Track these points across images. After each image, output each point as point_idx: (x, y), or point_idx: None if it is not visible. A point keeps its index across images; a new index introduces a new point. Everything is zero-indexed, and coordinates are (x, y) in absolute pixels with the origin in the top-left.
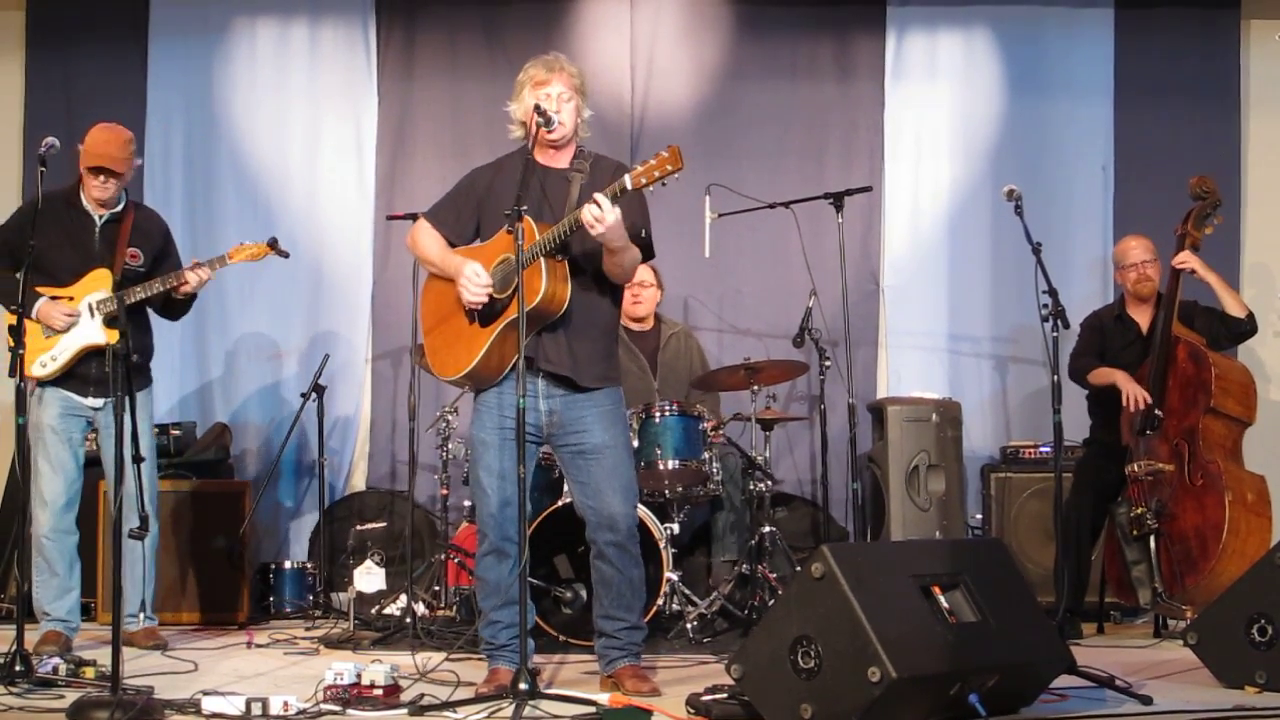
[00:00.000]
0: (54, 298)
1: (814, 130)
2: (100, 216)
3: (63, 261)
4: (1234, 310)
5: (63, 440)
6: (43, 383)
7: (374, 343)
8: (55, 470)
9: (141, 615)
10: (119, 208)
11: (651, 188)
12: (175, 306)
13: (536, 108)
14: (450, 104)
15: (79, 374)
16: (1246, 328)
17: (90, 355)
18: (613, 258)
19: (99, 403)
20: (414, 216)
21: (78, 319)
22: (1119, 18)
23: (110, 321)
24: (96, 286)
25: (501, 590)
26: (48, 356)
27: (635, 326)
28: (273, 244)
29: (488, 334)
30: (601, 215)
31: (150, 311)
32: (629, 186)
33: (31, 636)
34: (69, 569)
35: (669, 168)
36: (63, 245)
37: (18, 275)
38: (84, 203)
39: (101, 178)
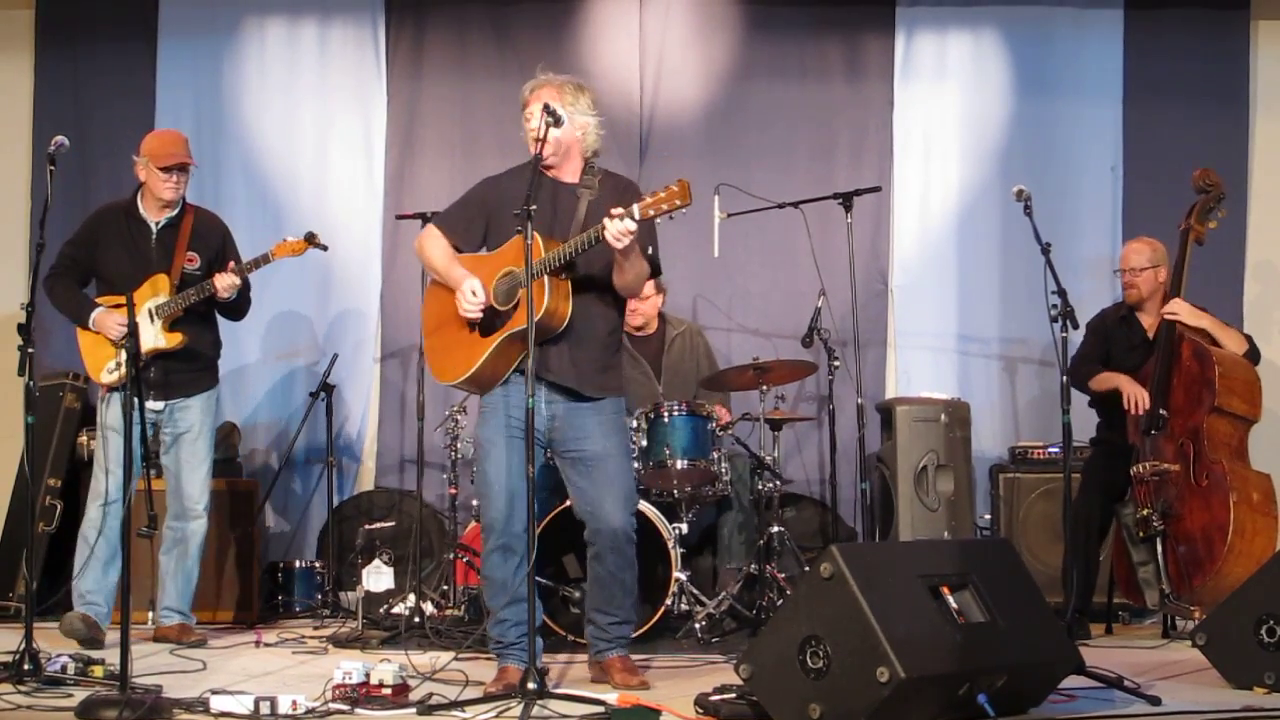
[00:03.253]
0: (115, 306)
1: (823, 130)
2: (157, 223)
3: (122, 270)
4: (1233, 348)
5: (118, 445)
6: (111, 388)
7: (382, 342)
8: (113, 471)
9: (177, 614)
10: (175, 212)
11: (659, 220)
12: (229, 310)
13: (546, 106)
14: (459, 103)
15: (142, 377)
16: (1247, 359)
17: (151, 360)
18: (624, 273)
19: (159, 405)
20: (423, 216)
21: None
22: (1128, 18)
23: (172, 325)
24: (155, 292)
25: (509, 588)
26: (113, 363)
27: (638, 332)
28: (310, 238)
29: (487, 344)
30: (630, 228)
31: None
32: (636, 217)
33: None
34: (110, 559)
35: (677, 202)
36: (121, 256)
37: (87, 289)
38: (141, 211)
39: (174, 176)
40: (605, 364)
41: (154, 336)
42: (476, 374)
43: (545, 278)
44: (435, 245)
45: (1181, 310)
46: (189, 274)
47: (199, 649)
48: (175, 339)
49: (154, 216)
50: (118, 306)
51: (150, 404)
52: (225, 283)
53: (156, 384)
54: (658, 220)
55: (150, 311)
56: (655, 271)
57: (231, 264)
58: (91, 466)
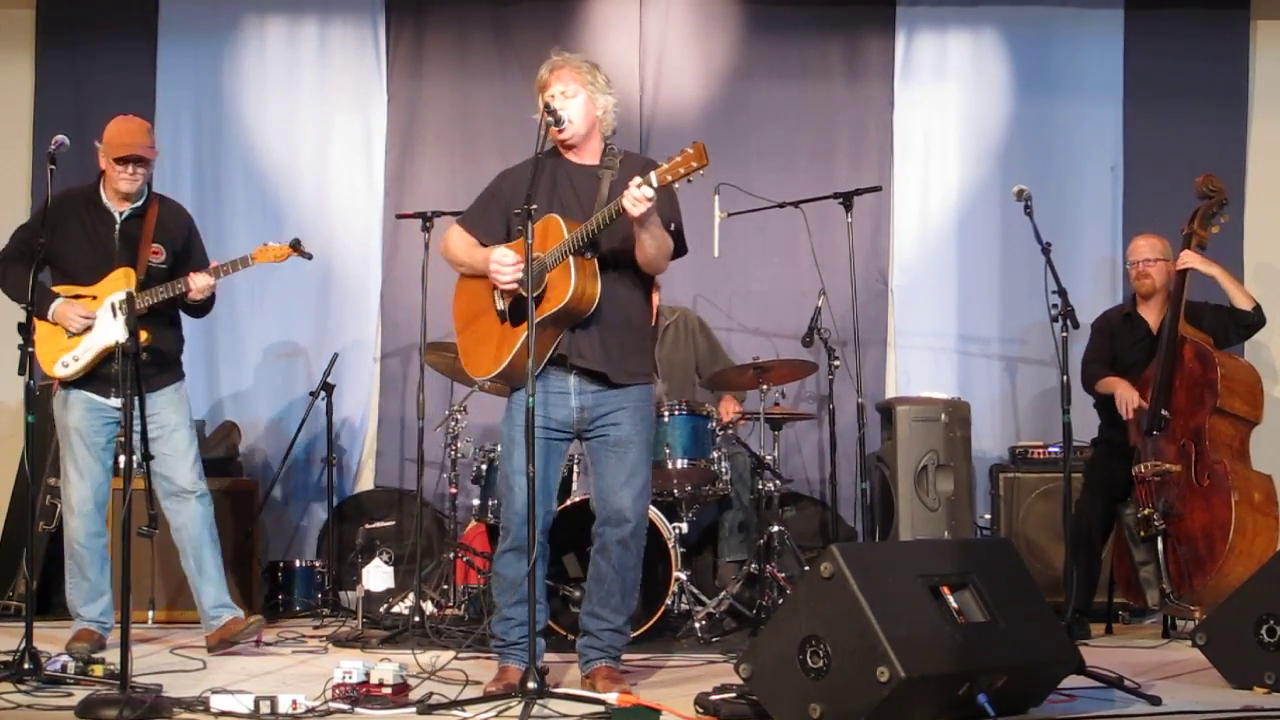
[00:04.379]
0: (76, 297)
1: (823, 130)
2: (121, 213)
3: (82, 260)
4: (1240, 303)
5: (87, 444)
6: (66, 384)
7: (383, 341)
8: (82, 476)
9: (226, 609)
10: (140, 202)
11: (677, 185)
12: (193, 308)
13: (546, 107)
14: (460, 103)
15: (101, 374)
16: (1253, 319)
17: (113, 355)
18: (645, 246)
19: (119, 402)
20: (423, 216)
21: (94, 320)
22: (1128, 19)
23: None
24: (120, 285)
25: (518, 587)
26: (69, 357)
27: None
28: (295, 245)
29: (519, 334)
30: (648, 194)
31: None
32: (654, 184)
33: (64, 634)
34: (100, 571)
35: (694, 164)
36: (82, 244)
37: (41, 276)
38: (104, 200)
39: (130, 168)
40: (636, 347)
41: (117, 332)
42: (511, 366)
43: (570, 259)
44: (458, 240)
45: (1192, 259)
46: (154, 268)
47: (198, 647)
48: (141, 336)
49: (117, 206)
50: (78, 297)
51: (110, 401)
52: (200, 284)
53: (117, 380)
54: (676, 186)
55: (114, 306)
56: (680, 249)
57: (215, 264)
58: None
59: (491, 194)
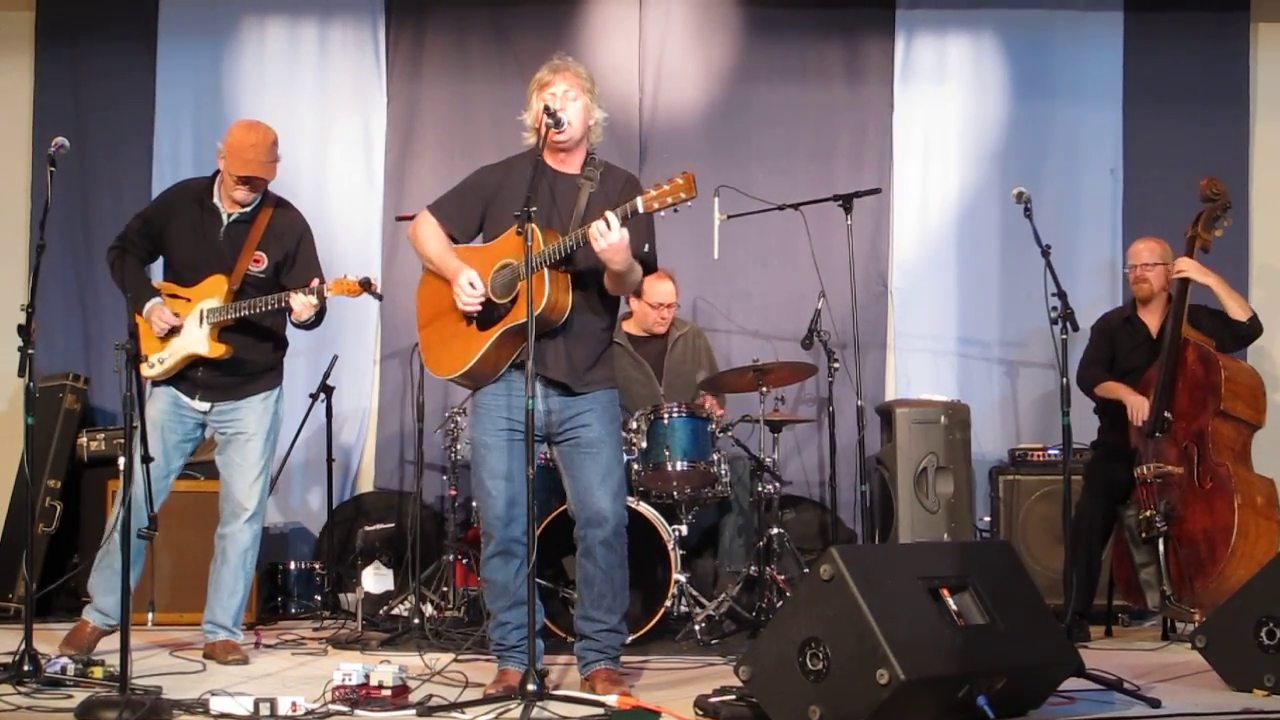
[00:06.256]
0: (174, 296)
1: (823, 132)
2: (230, 215)
3: (186, 258)
4: (1236, 314)
5: (161, 440)
6: (155, 381)
7: (382, 343)
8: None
9: (222, 630)
10: (250, 207)
11: (663, 213)
12: (301, 324)
13: (545, 108)
14: (459, 105)
15: (189, 376)
16: (1247, 330)
17: (198, 361)
18: (615, 278)
19: (205, 406)
20: None
21: (179, 325)
22: (1128, 21)
23: (221, 334)
24: (211, 293)
25: (510, 591)
26: (156, 358)
27: (641, 333)
28: (365, 284)
29: (485, 338)
30: (606, 232)
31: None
32: (640, 209)
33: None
34: (132, 564)
35: (682, 195)
36: (187, 242)
37: (154, 266)
38: (215, 199)
39: (246, 186)
40: (598, 359)
41: (198, 342)
42: (474, 368)
43: (545, 270)
44: (431, 234)
45: (1189, 267)
46: (253, 276)
47: (198, 649)
48: (220, 350)
49: (227, 208)
50: (174, 297)
51: (195, 403)
52: (301, 303)
53: (203, 384)
54: (661, 214)
55: (202, 313)
56: (649, 269)
57: (315, 281)
58: (91, 468)
59: (470, 188)
